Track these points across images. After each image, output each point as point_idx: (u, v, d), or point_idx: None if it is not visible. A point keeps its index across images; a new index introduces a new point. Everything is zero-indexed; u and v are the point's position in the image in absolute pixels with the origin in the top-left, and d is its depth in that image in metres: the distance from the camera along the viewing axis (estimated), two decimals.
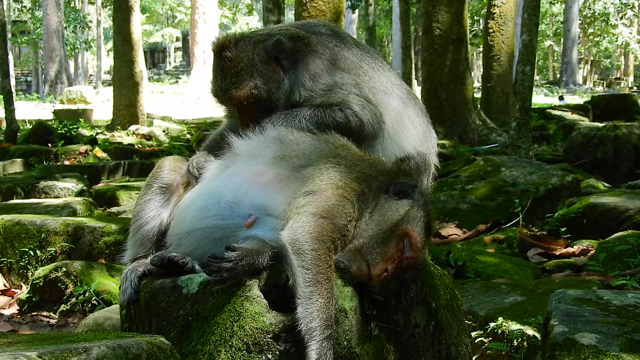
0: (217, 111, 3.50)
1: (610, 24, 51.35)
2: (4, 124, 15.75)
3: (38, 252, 5.40)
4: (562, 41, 51.28)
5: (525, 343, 3.55)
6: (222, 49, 3.04)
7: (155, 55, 65.53)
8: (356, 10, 24.65)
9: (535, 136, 14.50)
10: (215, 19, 38.06)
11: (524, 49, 10.27)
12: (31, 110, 28.17)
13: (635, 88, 49.09)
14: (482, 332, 3.77)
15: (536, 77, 49.74)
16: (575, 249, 5.65)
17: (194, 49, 37.55)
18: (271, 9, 12.25)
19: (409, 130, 3.19)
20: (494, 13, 17.51)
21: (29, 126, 17.72)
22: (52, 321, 4.77)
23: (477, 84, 29.94)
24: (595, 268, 4.99)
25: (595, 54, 60.59)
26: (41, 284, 4.92)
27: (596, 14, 52.80)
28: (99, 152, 13.18)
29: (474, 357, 3.56)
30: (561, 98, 33.04)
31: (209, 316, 2.49)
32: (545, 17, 55.91)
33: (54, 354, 1.86)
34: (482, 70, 21.14)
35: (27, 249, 5.40)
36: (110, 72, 48.47)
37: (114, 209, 8.05)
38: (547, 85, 48.55)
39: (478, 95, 19.50)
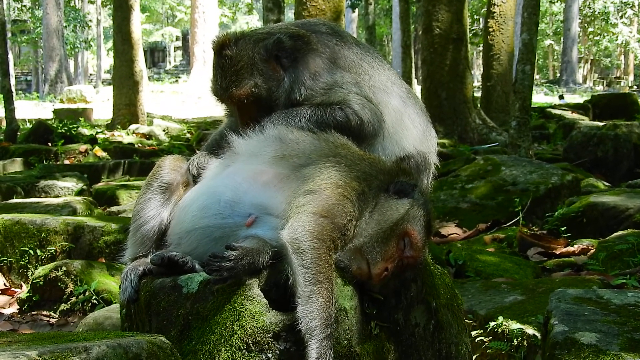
0: (217, 110, 3.50)
1: (610, 23, 51.34)
2: (4, 123, 15.75)
3: (38, 251, 5.40)
4: (562, 40, 51.28)
5: (525, 342, 3.55)
6: (223, 47, 3.04)
7: (155, 54, 65.51)
8: (356, 9, 24.62)
9: (535, 135, 14.50)
10: (215, 18, 38.06)
11: (524, 48, 10.26)
12: (31, 109, 28.18)
13: (635, 87, 49.05)
14: (482, 331, 3.77)
15: (536, 76, 49.74)
16: (575, 248, 5.65)
17: (194, 48, 37.56)
18: (271, 8, 12.24)
19: (409, 129, 3.19)
20: (494, 12, 17.51)
21: (29, 125, 17.72)
22: (52, 320, 4.77)
23: (477, 83, 29.96)
24: (595, 267, 4.99)
25: (595, 53, 60.59)
26: (41, 283, 4.92)
27: (596, 12, 52.80)
28: (99, 152, 13.18)
29: (474, 357, 3.56)
30: (561, 97, 33.04)
31: (209, 315, 2.49)
32: (545, 16, 55.90)
33: (54, 353, 1.86)
34: (482, 69, 21.16)
35: (27, 248, 5.40)
36: (110, 71, 48.46)
37: (114, 208, 8.05)
38: (547, 84, 48.56)
39: (478, 94, 19.49)
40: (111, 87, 21.22)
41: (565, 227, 6.10)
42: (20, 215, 5.71)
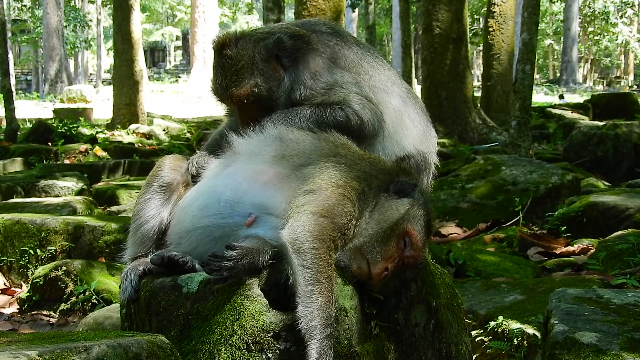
0: (217, 110, 3.50)
1: (610, 22, 51.33)
2: (4, 123, 15.76)
3: (38, 251, 5.41)
4: (562, 40, 51.27)
5: (525, 342, 3.55)
6: (223, 47, 3.04)
7: (155, 54, 65.51)
8: (356, 8, 24.61)
9: (536, 135, 14.50)
10: (215, 17, 38.05)
11: (524, 47, 10.26)
12: (31, 109, 28.18)
13: (635, 87, 49.03)
14: (482, 330, 3.77)
15: (536, 76, 49.74)
16: (575, 247, 5.65)
17: (194, 47, 37.55)
18: (271, 7, 12.25)
19: (409, 129, 3.18)
20: (494, 12, 17.51)
21: (29, 125, 17.72)
22: (52, 320, 4.77)
23: (477, 83, 29.98)
24: (595, 267, 4.99)
25: (595, 52, 60.58)
26: (41, 282, 4.92)
27: (596, 12, 52.78)
28: (99, 151, 13.18)
29: (474, 356, 3.56)
30: (561, 97, 33.04)
31: (209, 315, 2.49)
32: (545, 16, 55.89)
33: (54, 353, 1.86)
34: (482, 69, 21.15)
35: (27, 248, 5.40)
36: (110, 71, 48.45)
37: (114, 208, 8.06)
38: (547, 84, 48.56)
39: (478, 94, 19.49)
40: (111, 86, 21.22)
41: (565, 227, 6.11)
42: (20, 214, 5.71)
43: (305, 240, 2.37)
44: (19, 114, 18.40)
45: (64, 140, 13.75)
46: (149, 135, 17.05)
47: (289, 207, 2.52)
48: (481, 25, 38.62)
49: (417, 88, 24.06)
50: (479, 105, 16.75)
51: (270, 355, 2.38)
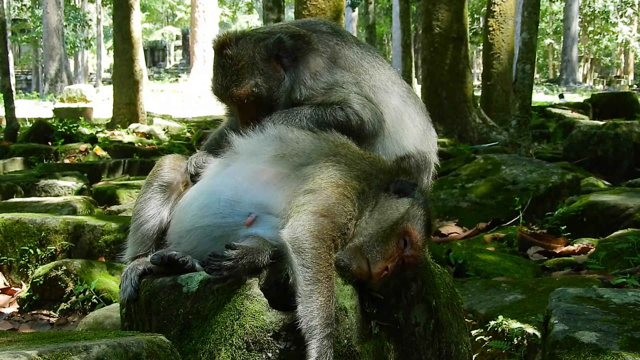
0: (217, 109, 3.50)
1: (610, 22, 51.31)
2: (4, 123, 15.76)
3: (38, 250, 5.41)
4: (562, 39, 51.26)
5: (525, 341, 3.55)
6: (223, 46, 3.04)
7: (155, 53, 65.47)
8: (356, 8, 24.62)
9: (536, 134, 14.50)
10: (215, 17, 38.05)
11: (524, 47, 10.26)
12: (31, 108, 28.17)
13: (635, 86, 49.00)
14: (482, 330, 3.77)
15: (536, 76, 49.72)
16: (575, 247, 5.65)
17: (194, 47, 37.55)
18: (271, 7, 12.24)
19: (409, 128, 3.18)
20: (494, 11, 17.51)
21: (29, 125, 17.73)
22: (52, 320, 4.77)
23: (477, 82, 29.96)
24: (595, 266, 4.99)
25: (595, 52, 60.57)
26: (41, 282, 4.92)
27: (596, 12, 52.76)
28: (99, 151, 13.18)
29: (474, 356, 3.56)
30: (561, 96, 33.05)
31: (209, 315, 2.49)
32: (545, 15, 55.88)
33: (54, 353, 1.86)
34: (482, 68, 21.15)
35: (27, 248, 5.40)
36: (110, 70, 48.42)
37: (114, 208, 8.06)
38: (547, 83, 48.57)
39: (478, 93, 19.49)
40: (111, 86, 21.22)
41: (565, 226, 6.11)
42: (20, 214, 5.71)
43: (305, 240, 2.37)
44: (19, 113, 18.41)
45: (64, 139, 13.76)
46: (149, 135, 17.05)
47: (289, 207, 2.52)
48: (481, 25, 38.62)
49: (417, 87, 24.06)
50: (479, 104, 16.75)
51: (270, 354, 2.38)
